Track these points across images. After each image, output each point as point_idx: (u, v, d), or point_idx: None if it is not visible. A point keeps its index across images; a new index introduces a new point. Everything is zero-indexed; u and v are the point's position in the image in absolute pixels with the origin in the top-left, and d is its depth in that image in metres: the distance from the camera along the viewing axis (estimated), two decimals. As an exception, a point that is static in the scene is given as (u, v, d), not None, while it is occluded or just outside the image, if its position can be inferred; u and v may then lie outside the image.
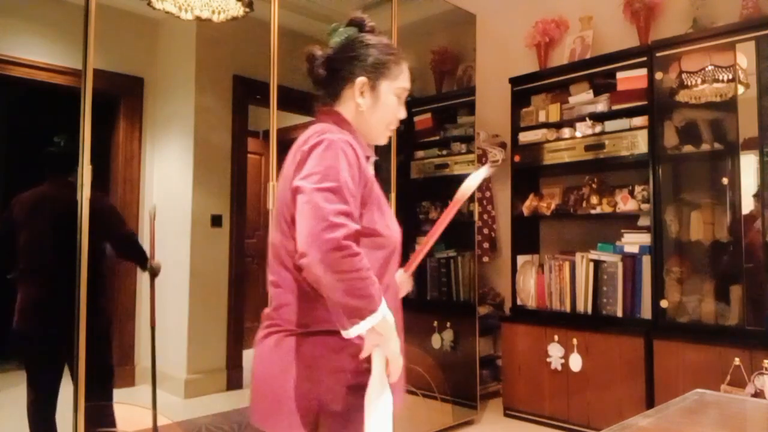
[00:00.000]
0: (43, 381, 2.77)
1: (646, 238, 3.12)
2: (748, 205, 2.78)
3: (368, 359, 1.18)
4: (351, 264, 1.06)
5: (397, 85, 1.34)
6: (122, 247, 2.99)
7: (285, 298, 1.24)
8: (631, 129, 3.19)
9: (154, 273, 3.06)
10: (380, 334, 1.13)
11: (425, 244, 1.44)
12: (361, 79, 1.31)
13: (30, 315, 2.63)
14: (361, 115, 1.33)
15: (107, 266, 3.04)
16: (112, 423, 2.83)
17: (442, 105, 4.11)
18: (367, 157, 1.30)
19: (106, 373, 2.91)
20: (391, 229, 1.30)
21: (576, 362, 3.21)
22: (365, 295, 1.08)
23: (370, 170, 1.31)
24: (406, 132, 4.03)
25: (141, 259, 3.07)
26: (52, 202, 2.61)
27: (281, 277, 1.25)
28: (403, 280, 1.45)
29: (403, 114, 1.37)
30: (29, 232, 2.60)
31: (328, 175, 1.13)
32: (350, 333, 1.09)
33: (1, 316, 3.38)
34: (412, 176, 4.19)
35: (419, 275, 4.16)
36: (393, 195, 3.23)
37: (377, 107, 1.33)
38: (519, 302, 3.63)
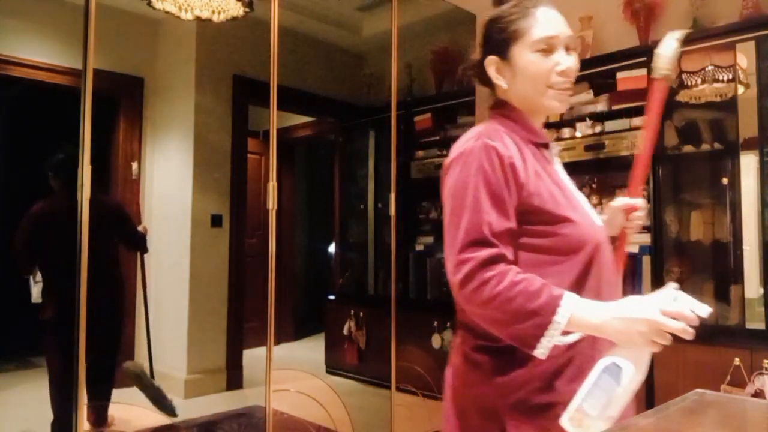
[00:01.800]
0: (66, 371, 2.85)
1: (645, 238, 3.11)
2: (747, 204, 2.78)
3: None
4: (487, 293, 0.96)
5: (531, 40, 1.12)
6: (132, 245, 3.19)
7: None
8: (631, 129, 3.19)
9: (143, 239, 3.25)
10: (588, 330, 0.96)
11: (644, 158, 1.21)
12: (488, 59, 1.16)
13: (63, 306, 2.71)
14: (511, 94, 1.16)
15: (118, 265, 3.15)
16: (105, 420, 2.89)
17: (442, 105, 4.11)
18: (536, 144, 1.13)
19: (110, 370, 3.04)
20: (580, 224, 1.08)
21: (576, 362, 3.21)
22: (526, 313, 0.95)
23: (549, 155, 1.15)
24: (406, 132, 4.03)
25: (145, 251, 3.28)
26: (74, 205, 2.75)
27: None
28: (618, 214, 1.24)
29: (564, 62, 1.12)
30: (64, 234, 2.74)
31: (456, 204, 1.03)
32: (542, 353, 0.95)
33: (1, 317, 3.39)
34: (413, 176, 4.19)
35: (419, 275, 4.16)
36: (393, 195, 3.23)
37: (519, 77, 1.13)
38: (519, 302, 3.63)
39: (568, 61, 1.13)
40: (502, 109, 1.18)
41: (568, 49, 1.15)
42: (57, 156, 2.82)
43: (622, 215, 1.24)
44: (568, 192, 1.12)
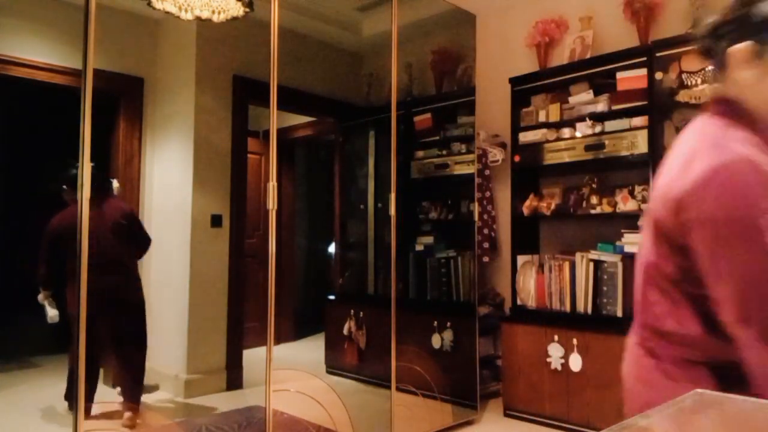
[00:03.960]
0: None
1: (646, 238, 3.11)
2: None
3: None
4: None
5: None
6: (142, 249, 3.35)
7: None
8: (631, 129, 3.19)
9: None
10: None
11: None
12: (739, 46, 0.93)
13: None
14: (751, 92, 0.95)
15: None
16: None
17: (442, 105, 4.11)
18: None
19: (140, 371, 3.22)
20: None
21: (576, 362, 3.21)
22: None
23: None
24: (406, 132, 4.03)
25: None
26: (104, 214, 3.05)
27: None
28: None
29: None
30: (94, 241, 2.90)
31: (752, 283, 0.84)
32: None
33: (1, 317, 3.39)
34: (412, 176, 4.19)
35: (419, 275, 4.16)
36: (393, 195, 3.23)
37: None
38: (519, 302, 3.64)
39: None
40: (732, 113, 0.97)
41: None
42: (71, 170, 2.93)
43: None
44: None
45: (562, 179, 3.73)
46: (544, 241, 3.84)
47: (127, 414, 3.00)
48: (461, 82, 4.02)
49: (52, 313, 3.05)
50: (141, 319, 3.23)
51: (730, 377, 0.91)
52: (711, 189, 0.87)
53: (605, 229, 3.44)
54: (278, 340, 5.01)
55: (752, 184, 0.83)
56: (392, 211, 3.23)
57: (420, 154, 4.16)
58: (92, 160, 2.17)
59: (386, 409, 3.14)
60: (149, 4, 2.63)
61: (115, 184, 3.34)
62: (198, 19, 2.77)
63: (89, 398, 2.94)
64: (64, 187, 3.02)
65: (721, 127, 0.95)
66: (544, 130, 3.57)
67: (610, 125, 3.28)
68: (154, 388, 3.53)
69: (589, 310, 3.30)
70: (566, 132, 3.48)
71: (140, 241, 3.30)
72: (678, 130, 3.07)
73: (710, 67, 1.00)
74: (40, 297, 3.06)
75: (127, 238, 3.18)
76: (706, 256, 0.90)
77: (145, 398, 3.48)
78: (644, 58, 3.15)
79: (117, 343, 3.11)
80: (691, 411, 0.85)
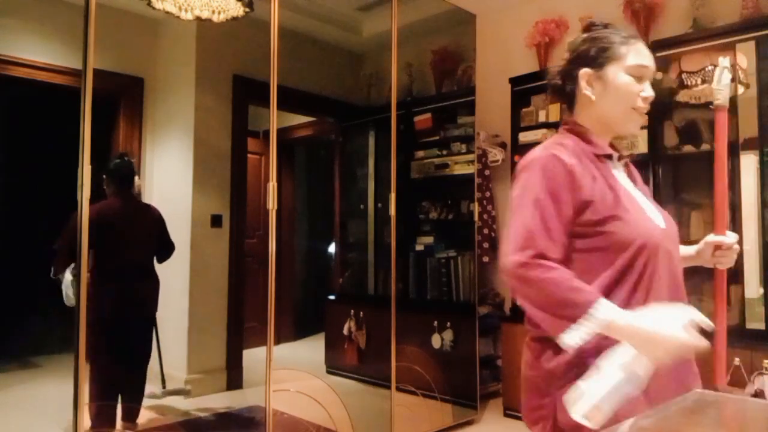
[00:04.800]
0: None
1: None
2: (747, 204, 2.78)
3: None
4: (536, 276, 1.13)
5: (627, 63, 1.28)
6: (165, 255, 3.31)
7: None
8: (631, 129, 3.19)
9: None
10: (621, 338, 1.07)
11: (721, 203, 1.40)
12: (583, 71, 1.30)
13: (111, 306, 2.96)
14: (595, 107, 1.30)
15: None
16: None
17: (442, 105, 4.11)
18: (603, 156, 1.29)
19: (142, 385, 3.15)
20: (629, 222, 1.20)
21: (576, 362, 3.21)
22: (564, 301, 1.10)
23: (609, 165, 1.29)
24: (406, 132, 4.03)
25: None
26: (128, 210, 3.11)
27: None
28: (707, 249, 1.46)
29: (648, 91, 1.29)
30: (116, 236, 3.00)
31: (524, 203, 1.19)
32: (567, 342, 1.10)
33: (2, 317, 3.39)
34: (412, 176, 4.19)
35: (419, 275, 4.16)
36: (393, 195, 3.23)
37: (608, 92, 1.28)
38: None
39: (651, 91, 1.29)
40: (570, 125, 1.34)
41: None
42: (114, 161, 3.09)
43: (710, 250, 1.47)
44: (623, 194, 1.24)
45: (562, 179, 3.72)
46: (544, 241, 3.83)
47: None
48: (461, 82, 4.01)
49: (72, 293, 2.98)
50: (152, 333, 3.23)
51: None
52: (522, 171, 1.26)
53: (605, 229, 3.43)
54: (278, 340, 5.01)
55: (546, 171, 1.21)
56: (392, 211, 3.24)
57: (420, 154, 4.16)
58: (92, 160, 2.17)
59: (386, 409, 3.14)
60: (149, 4, 2.63)
61: (137, 181, 3.34)
62: (198, 19, 2.77)
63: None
64: (104, 177, 3.00)
65: (557, 137, 1.33)
66: (544, 130, 3.57)
67: (610, 125, 3.28)
68: (185, 392, 3.49)
69: (589, 310, 3.29)
70: None
71: (166, 248, 3.28)
72: (678, 130, 3.07)
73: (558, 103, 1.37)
74: (67, 275, 2.97)
75: (158, 245, 3.19)
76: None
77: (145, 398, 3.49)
78: (644, 58, 3.15)
79: (125, 355, 3.07)
80: (691, 411, 0.85)
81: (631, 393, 1.03)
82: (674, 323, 1.05)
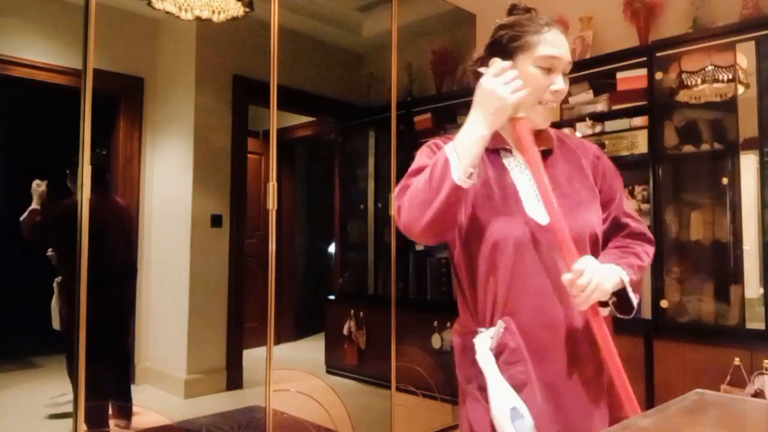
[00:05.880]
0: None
1: (646, 238, 3.11)
2: (747, 204, 2.78)
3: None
4: (403, 204, 1.20)
5: (535, 54, 1.20)
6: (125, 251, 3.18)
7: None
8: (631, 129, 3.19)
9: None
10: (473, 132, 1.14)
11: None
12: (492, 61, 1.21)
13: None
14: None
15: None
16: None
17: (442, 105, 4.11)
18: (495, 150, 1.26)
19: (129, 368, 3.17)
20: (496, 222, 1.19)
21: (576, 362, 3.21)
22: (429, 180, 1.14)
23: (506, 162, 1.26)
24: (406, 132, 4.03)
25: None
26: (103, 208, 2.89)
27: None
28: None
29: (558, 84, 1.21)
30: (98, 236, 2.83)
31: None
32: (459, 179, 1.10)
33: (2, 317, 3.39)
34: (412, 176, 4.19)
35: (419, 275, 4.16)
36: (393, 195, 3.23)
37: None
38: (519, 302, 3.63)
39: (561, 84, 1.22)
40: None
41: (563, 73, 1.24)
42: (75, 157, 2.85)
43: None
44: (496, 189, 1.21)
45: (562, 179, 3.73)
46: (544, 241, 3.83)
47: None
48: (461, 82, 4.01)
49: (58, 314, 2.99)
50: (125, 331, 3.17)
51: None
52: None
53: (605, 229, 3.43)
54: (278, 340, 5.02)
55: (420, 156, 1.28)
56: (392, 211, 3.23)
57: (420, 154, 4.16)
58: (92, 160, 2.17)
59: (386, 409, 3.14)
60: (149, 4, 2.63)
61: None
62: (198, 19, 2.77)
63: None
64: (67, 171, 2.88)
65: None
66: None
67: (610, 125, 3.28)
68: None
69: (589, 310, 3.29)
70: (566, 132, 3.48)
71: (129, 244, 3.18)
72: (678, 129, 3.07)
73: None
74: (54, 298, 2.94)
75: (122, 237, 3.07)
76: None
77: (146, 398, 3.49)
78: (644, 58, 3.14)
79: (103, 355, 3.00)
80: (691, 411, 0.85)
81: (527, 423, 1.10)
82: (486, 86, 1.14)
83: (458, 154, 1.11)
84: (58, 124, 2.72)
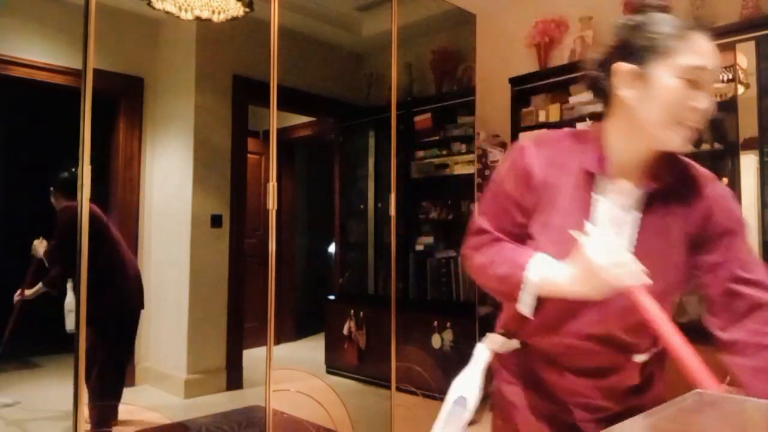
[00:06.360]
0: None
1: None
2: (748, 204, 2.78)
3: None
4: (474, 265, 1.15)
5: (679, 62, 0.98)
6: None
7: None
8: (631, 129, 3.19)
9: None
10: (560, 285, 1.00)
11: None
12: (618, 65, 1.02)
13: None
14: (631, 113, 1.03)
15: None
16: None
17: (442, 105, 4.11)
18: (588, 173, 1.07)
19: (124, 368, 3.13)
20: (545, 242, 1.07)
21: (576, 362, 3.21)
22: (503, 277, 1.08)
23: (597, 189, 1.07)
24: (406, 132, 4.03)
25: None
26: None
27: None
28: None
29: (703, 101, 1.00)
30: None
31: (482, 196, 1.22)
32: (524, 309, 1.06)
33: (1, 317, 3.38)
34: (412, 176, 4.19)
35: (419, 275, 4.16)
36: (393, 195, 3.23)
37: (651, 97, 1.00)
38: (519, 302, 3.63)
39: (707, 101, 1.01)
40: (580, 135, 1.15)
41: (708, 88, 1.03)
42: (62, 174, 2.93)
43: None
44: (571, 218, 1.05)
45: (562, 179, 3.73)
46: (544, 241, 3.83)
47: None
48: (461, 82, 4.02)
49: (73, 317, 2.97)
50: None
51: None
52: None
53: (605, 229, 3.43)
54: (278, 340, 5.02)
55: (513, 162, 1.13)
56: (392, 211, 3.23)
57: (420, 154, 4.16)
58: (92, 160, 2.17)
59: (386, 409, 3.14)
60: (149, 4, 2.63)
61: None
62: (198, 19, 2.77)
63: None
64: (51, 189, 2.93)
65: (563, 133, 1.17)
66: (544, 130, 3.57)
67: (610, 125, 3.28)
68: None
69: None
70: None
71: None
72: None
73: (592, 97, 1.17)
74: (69, 297, 2.90)
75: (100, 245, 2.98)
76: None
77: (146, 398, 3.49)
78: (644, 58, 3.15)
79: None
80: (691, 411, 0.85)
81: (466, 413, 1.13)
82: (592, 257, 0.95)
83: (535, 288, 1.03)
84: (58, 124, 2.72)
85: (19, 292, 3.06)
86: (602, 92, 1.11)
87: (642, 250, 1.04)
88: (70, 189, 2.72)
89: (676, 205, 1.08)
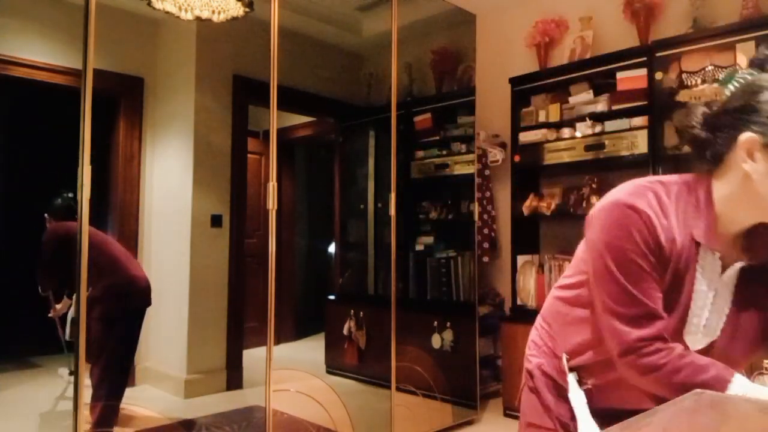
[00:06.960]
0: None
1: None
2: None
3: None
4: (652, 364, 0.98)
5: None
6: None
7: None
8: (631, 129, 3.19)
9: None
10: None
11: None
12: (746, 136, 0.92)
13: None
14: (749, 186, 0.94)
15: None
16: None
17: (442, 105, 4.11)
18: (697, 243, 0.99)
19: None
20: (674, 322, 1.01)
21: (576, 362, 3.21)
22: (694, 385, 0.95)
23: (700, 260, 1.00)
24: (406, 132, 4.03)
25: None
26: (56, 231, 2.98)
27: None
28: None
29: None
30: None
31: (622, 272, 0.99)
32: None
33: (1, 317, 3.39)
34: (412, 176, 4.19)
35: (419, 275, 4.16)
36: (393, 195, 3.23)
37: None
38: (519, 302, 3.63)
39: None
40: (703, 184, 1.01)
41: None
42: (55, 200, 3.00)
43: None
44: (682, 296, 1.01)
45: (562, 179, 3.73)
46: (544, 241, 3.84)
47: None
48: (461, 82, 4.02)
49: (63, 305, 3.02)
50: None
51: None
52: (597, 215, 1.07)
53: (605, 229, 3.43)
54: (278, 340, 5.01)
55: (622, 224, 1.01)
56: (392, 211, 3.24)
57: (420, 154, 4.16)
58: (92, 160, 2.17)
59: (386, 409, 3.14)
60: (149, 4, 2.63)
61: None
62: (198, 19, 2.77)
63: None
64: (46, 215, 2.98)
65: (677, 189, 1.03)
66: (544, 130, 3.57)
67: (610, 125, 3.28)
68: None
69: (589, 310, 3.29)
70: (566, 132, 3.48)
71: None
72: (678, 130, 3.07)
73: (698, 153, 1.05)
74: (71, 313, 2.98)
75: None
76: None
77: (146, 398, 3.49)
78: (644, 58, 3.15)
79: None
80: (691, 411, 0.85)
81: None
82: None
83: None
84: (58, 124, 2.72)
85: (51, 310, 3.14)
86: (709, 154, 1.01)
87: (731, 326, 1.05)
88: (63, 213, 2.89)
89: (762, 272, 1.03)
